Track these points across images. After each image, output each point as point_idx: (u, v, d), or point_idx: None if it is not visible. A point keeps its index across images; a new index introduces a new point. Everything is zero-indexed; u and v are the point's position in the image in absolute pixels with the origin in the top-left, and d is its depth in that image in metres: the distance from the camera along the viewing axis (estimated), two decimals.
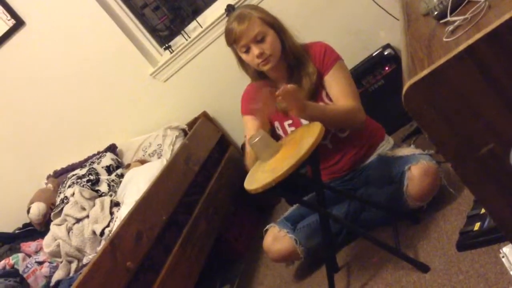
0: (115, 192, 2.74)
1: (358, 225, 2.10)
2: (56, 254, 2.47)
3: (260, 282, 2.44)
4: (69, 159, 3.39)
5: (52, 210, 2.82)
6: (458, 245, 1.66)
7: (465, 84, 0.89)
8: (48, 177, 3.39)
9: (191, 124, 3.18)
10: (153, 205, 2.28)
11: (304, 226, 2.17)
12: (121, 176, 2.94)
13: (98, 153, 3.28)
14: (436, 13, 1.07)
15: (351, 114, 1.99)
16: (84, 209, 2.53)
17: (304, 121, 2.05)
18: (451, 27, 0.98)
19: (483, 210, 1.66)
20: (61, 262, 2.43)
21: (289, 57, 2.03)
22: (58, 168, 3.40)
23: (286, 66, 2.07)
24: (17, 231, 3.19)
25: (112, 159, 3.14)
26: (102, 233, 2.38)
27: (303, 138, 1.78)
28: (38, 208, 2.97)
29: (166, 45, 3.22)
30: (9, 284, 2.34)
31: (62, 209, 2.59)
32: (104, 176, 2.95)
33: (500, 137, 0.91)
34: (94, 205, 2.53)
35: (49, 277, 2.41)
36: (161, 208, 2.31)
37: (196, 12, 3.30)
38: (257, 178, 1.76)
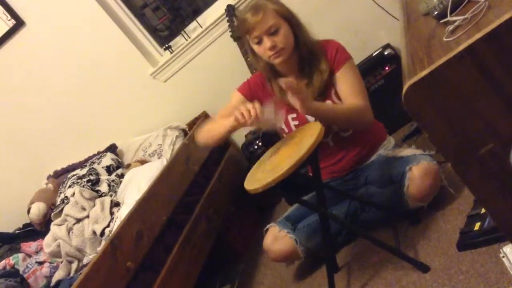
0: (115, 192, 2.74)
1: (358, 225, 2.10)
2: (56, 254, 2.47)
3: (260, 282, 2.44)
4: (69, 159, 3.39)
5: (52, 210, 2.82)
6: (459, 245, 1.66)
7: (465, 84, 0.89)
8: (48, 177, 3.40)
9: (191, 124, 3.18)
10: (153, 205, 2.28)
11: (304, 226, 2.17)
12: (121, 176, 2.94)
13: (98, 153, 3.28)
14: (436, 13, 1.07)
15: (358, 113, 1.97)
16: (84, 209, 2.53)
17: (308, 116, 2.04)
18: (451, 27, 0.98)
19: (483, 210, 1.66)
20: (62, 262, 2.43)
21: (303, 51, 2.01)
22: (58, 168, 3.41)
23: (297, 61, 2.05)
24: (17, 231, 3.19)
25: (112, 159, 3.15)
26: (102, 233, 2.38)
27: (303, 138, 1.78)
28: (38, 208, 2.97)
29: (166, 45, 3.22)
30: (9, 284, 2.34)
31: (62, 209, 2.59)
32: (104, 176, 2.95)
33: (500, 136, 0.91)
34: (94, 205, 2.53)
35: (49, 277, 2.41)
36: (161, 208, 2.31)
37: (196, 12, 3.30)
38: (257, 178, 1.76)
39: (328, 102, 2.03)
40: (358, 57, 2.86)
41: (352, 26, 2.95)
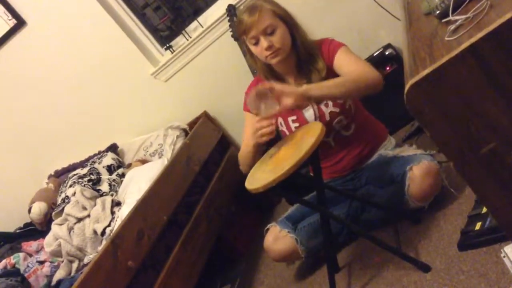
0: (116, 191, 2.75)
1: (359, 225, 2.10)
2: (57, 253, 2.47)
3: (261, 282, 2.44)
4: (70, 158, 3.39)
5: (53, 209, 2.82)
6: (459, 245, 1.66)
7: (467, 83, 0.89)
8: (49, 176, 3.40)
9: (192, 124, 3.18)
10: (154, 204, 2.28)
11: (305, 226, 2.17)
12: (122, 175, 2.94)
13: (99, 152, 3.28)
14: (438, 12, 1.07)
15: (361, 76, 1.88)
16: (85, 208, 2.53)
17: (309, 118, 2.04)
18: (453, 26, 0.98)
19: (484, 210, 1.66)
20: (62, 261, 2.43)
21: (301, 51, 2.02)
22: (59, 167, 3.41)
23: (295, 60, 2.05)
24: (18, 231, 3.19)
25: (113, 159, 3.15)
26: (103, 233, 2.38)
27: (304, 137, 1.78)
28: (39, 208, 2.97)
29: (167, 45, 3.22)
30: (10, 283, 2.34)
31: (63, 208, 2.59)
32: (105, 175, 2.95)
33: (502, 136, 0.91)
34: (95, 205, 2.53)
35: (50, 277, 2.41)
36: (162, 207, 2.31)
37: (197, 12, 3.30)
38: (258, 178, 1.76)
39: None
40: (360, 56, 2.85)
41: (353, 26, 2.95)
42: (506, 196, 0.97)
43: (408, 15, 1.36)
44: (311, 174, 2.12)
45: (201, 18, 3.22)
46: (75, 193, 2.63)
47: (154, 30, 3.33)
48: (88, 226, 2.42)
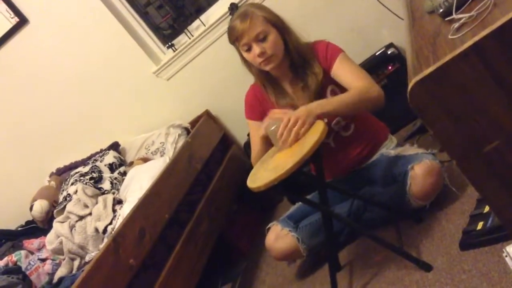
0: (118, 189, 2.75)
1: (361, 224, 2.10)
2: (58, 251, 2.47)
3: (262, 280, 2.44)
4: (72, 156, 3.40)
5: (54, 207, 2.82)
6: (461, 244, 1.66)
7: (470, 81, 0.89)
8: (51, 174, 3.40)
9: (193, 123, 3.18)
10: (156, 203, 2.28)
11: (306, 224, 2.17)
12: (124, 174, 2.94)
13: (101, 151, 3.28)
14: (441, 10, 1.07)
15: (364, 93, 1.89)
16: (87, 206, 2.53)
17: None
18: (456, 25, 0.98)
19: (486, 209, 1.65)
20: (64, 259, 2.43)
21: (294, 56, 2.02)
22: (61, 165, 3.41)
23: (289, 65, 2.06)
24: (19, 228, 3.19)
25: (115, 157, 3.15)
26: (104, 231, 2.38)
27: (306, 136, 1.77)
28: (40, 206, 2.97)
29: (169, 43, 3.22)
30: (12, 281, 2.34)
31: (64, 206, 2.59)
32: (107, 174, 2.95)
33: (506, 134, 0.91)
34: (97, 203, 2.54)
35: (51, 274, 2.41)
36: (164, 206, 2.31)
37: (200, 10, 3.30)
38: (260, 176, 1.76)
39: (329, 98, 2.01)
40: (361, 56, 2.86)
41: (355, 25, 2.95)
42: (509, 195, 0.97)
43: (411, 13, 1.35)
44: (313, 173, 2.12)
45: (203, 17, 3.22)
46: (76, 191, 2.63)
47: (156, 29, 3.33)
48: (89, 224, 2.42)
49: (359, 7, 2.91)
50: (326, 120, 1.82)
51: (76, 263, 2.40)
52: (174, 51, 3.19)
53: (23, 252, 2.54)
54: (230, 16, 2.06)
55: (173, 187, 2.45)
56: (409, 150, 2.04)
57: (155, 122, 3.30)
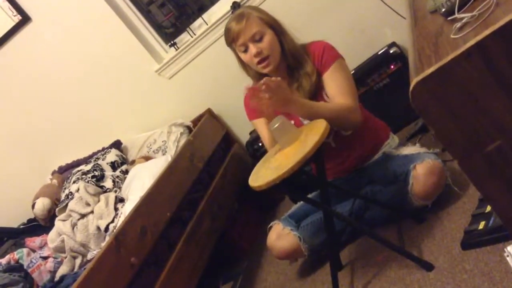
0: (120, 188, 2.75)
1: (363, 223, 2.10)
2: (60, 249, 2.47)
3: (264, 279, 2.44)
4: (74, 155, 3.40)
5: (56, 205, 2.82)
6: (463, 244, 1.66)
7: (472, 81, 0.88)
8: (53, 172, 3.41)
9: (195, 121, 3.18)
10: (158, 201, 2.28)
11: (308, 223, 2.17)
12: (126, 172, 2.94)
13: (103, 149, 3.29)
14: (443, 10, 1.07)
15: (344, 113, 1.93)
16: (88, 204, 2.53)
17: (306, 122, 2.05)
18: (458, 24, 0.98)
19: (488, 209, 1.65)
20: (66, 257, 2.43)
21: (289, 58, 2.03)
22: (63, 163, 3.42)
23: (285, 67, 2.06)
24: (22, 226, 3.20)
25: (117, 155, 3.15)
26: (106, 229, 2.38)
27: (308, 135, 1.77)
28: (43, 204, 2.98)
29: (172, 42, 3.23)
30: (13, 279, 2.35)
31: (66, 204, 2.60)
32: (108, 172, 2.96)
33: (508, 134, 0.91)
34: (98, 201, 2.54)
35: (53, 272, 2.41)
36: (166, 204, 2.31)
37: (202, 9, 3.30)
38: (262, 175, 1.77)
39: (315, 102, 2.02)
40: (364, 55, 2.86)
41: (358, 24, 2.94)
42: (510, 195, 0.96)
43: (414, 13, 1.35)
44: (314, 172, 2.12)
45: (205, 15, 3.22)
46: (78, 189, 2.64)
47: (158, 27, 3.33)
48: (91, 222, 2.43)
49: (362, 6, 2.90)
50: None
51: (78, 261, 2.40)
52: (176, 50, 3.19)
53: (25, 250, 2.54)
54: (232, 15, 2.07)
55: (174, 185, 2.46)
56: (411, 149, 2.04)
57: (157, 121, 3.30)
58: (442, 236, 1.80)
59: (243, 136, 3.26)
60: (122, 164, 3.10)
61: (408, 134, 2.64)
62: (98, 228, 2.40)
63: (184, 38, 3.29)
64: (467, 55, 0.87)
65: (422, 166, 1.89)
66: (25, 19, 3.24)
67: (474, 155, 0.93)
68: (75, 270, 2.36)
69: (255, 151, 2.96)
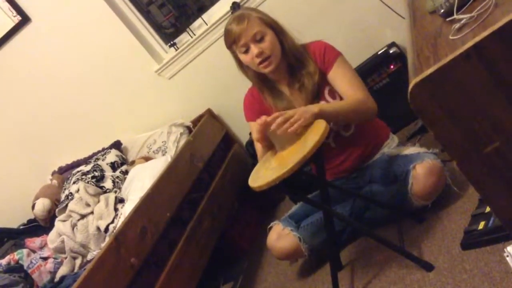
0: (120, 188, 2.75)
1: (362, 224, 2.10)
2: (60, 250, 2.48)
3: (264, 279, 2.44)
4: (74, 155, 3.40)
5: (56, 206, 2.83)
6: (463, 244, 1.66)
7: (471, 82, 0.89)
8: (53, 173, 3.41)
9: (195, 121, 3.18)
10: (158, 201, 2.28)
11: (308, 224, 2.17)
12: (126, 172, 2.94)
13: (103, 149, 3.29)
14: (442, 11, 1.07)
15: (361, 105, 1.95)
16: (88, 205, 2.54)
17: None
18: (457, 25, 0.98)
19: (488, 209, 1.65)
20: (66, 258, 2.44)
21: (290, 58, 2.03)
22: (63, 164, 3.42)
23: (286, 67, 2.07)
24: (21, 227, 3.20)
25: (117, 156, 3.15)
26: (106, 229, 2.38)
27: (308, 135, 1.77)
28: (43, 204, 2.98)
29: (171, 42, 3.23)
30: (13, 279, 2.35)
31: (66, 205, 2.60)
32: (108, 172, 2.96)
33: (506, 135, 0.91)
34: (98, 202, 2.54)
35: (53, 273, 2.41)
36: (166, 204, 2.31)
37: (202, 9, 3.30)
38: (262, 175, 1.77)
39: (322, 102, 2.03)
40: (363, 55, 2.86)
41: (358, 24, 2.94)
42: (509, 196, 0.96)
43: (413, 13, 1.35)
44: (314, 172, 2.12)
45: (205, 16, 3.22)
46: (78, 189, 2.64)
47: (158, 27, 3.33)
48: (91, 222, 2.43)
49: (362, 6, 2.90)
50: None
51: (78, 261, 2.40)
52: (176, 50, 3.19)
53: (25, 251, 2.54)
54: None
55: (174, 186, 2.46)
56: (411, 149, 2.04)
57: (157, 121, 3.30)
58: (442, 236, 1.80)
59: (243, 136, 3.26)
60: (122, 164, 3.10)
61: (408, 134, 2.64)
62: (98, 228, 2.40)
63: (184, 39, 3.29)
64: (465, 56, 0.87)
65: (422, 166, 1.89)
66: (25, 19, 3.24)
67: (473, 156, 0.93)
68: (75, 270, 2.36)
69: (255, 151, 2.96)
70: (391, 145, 2.15)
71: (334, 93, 2.04)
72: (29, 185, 3.34)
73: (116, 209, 2.48)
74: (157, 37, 3.32)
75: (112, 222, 2.40)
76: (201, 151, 2.84)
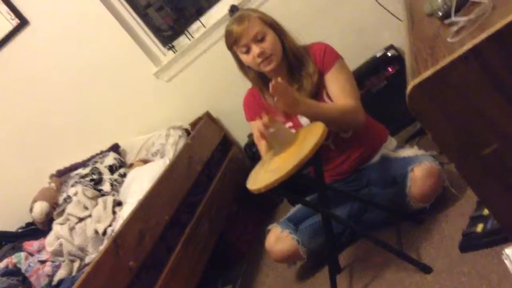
0: (118, 191, 2.75)
1: (361, 226, 2.10)
2: (58, 253, 2.47)
3: (262, 282, 2.44)
4: (72, 158, 3.39)
5: (55, 209, 2.82)
6: (461, 246, 1.66)
7: (469, 84, 0.89)
8: (51, 176, 3.39)
9: (194, 124, 3.18)
10: (156, 204, 2.28)
11: (306, 226, 2.17)
12: (124, 175, 2.94)
13: (101, 152, 3.28)
14: (440, 13, 1.07)
15: (349, 113, 1.96)
16: (86, 208, 2.53)
17: (305, 124, 2.05)
18: (455, 28, 0.98)
19: (486, 212, 1.65)
20: (64, 261, 2.43)
21: (290, 58, 2.04)
22: (61, 167, 3.41)
23: (286, 67, 2.07)
24: (20, 230, 3.19)
25: (115, 159, 3.15)
26: (104, 233, 2.38)
27: (306, 138, 1.78)
28: (41, 207, 2.97)
29: (170, 45, 3.23)
30: (11, 283, 2.34)
31: (64, 208, 2.60)
32: (107, 175, 2.95)
33: (504, 137, 0.91)
34: (96, 205, 2.54)
35: (51, 276, 2.41)
36: (164, 207, 2.31)
37: (200, 12, 3.30)
38: (260, 178, 1.76)
39: (320, 102, 2.03)
40: (361, 57, 2.86)
41: (356, 27, 2.95)
42: (507, 198, 0.96)
43: (410, 16, 1.35)
44: (313, 175, 2.12)
45: (203, 18, 3.22)
46: (76, 192, 2.64)
47: (156, 30, 3.33)
48: (89, 226, 2.43)
49: (359, 9, 2.91)
50: None
51: (76, 265, 2.40)
52: (174, 53, 3.19)
53: (23, 254, 2.54)
54: (229, 20, 2.07)
55: (173, 188, 2.45)
56: (409, 151, 2.05)
57: (155, 124, 3.29)
58: (441, 238, 1.80)
59: (242, 139, 3.26)
60: (120, 167, 3.09)
61: (406, 136, 2.65)
62: (96, 231, 2.40)
63: (182, 41, 3.29)
64: (463, 58, 0.87)
65: (420, 169, 1.89)
66: (23, 22, 3.24)
67: (471, 158, 0.93)
68: (73, 274, 2.36)
69: (254, 153, 2.96)
70: (389, 148, 2.15)
71: None
72: (27, 188, 3.32)
73: (114, 212, 2.48)
74: (155, 39, 3.32)
75: (110, 225, 2.39)
76: (200, 153, 2.84)
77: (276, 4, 2.92)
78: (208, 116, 3.23)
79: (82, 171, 3.01)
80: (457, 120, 0.91)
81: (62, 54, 3.29)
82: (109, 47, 3.22)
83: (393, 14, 2.65)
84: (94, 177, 2.87)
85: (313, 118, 1.93)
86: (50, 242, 2.51)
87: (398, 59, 2.74)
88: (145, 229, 2.11)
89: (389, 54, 2.76)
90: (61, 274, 2.37)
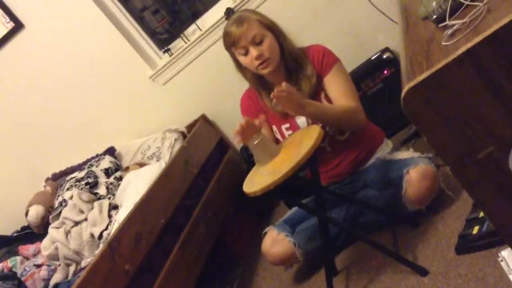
0: (114, 195, 2.74)
1: (357, 229, 2.10)
2: (54, 257, 2.46)
3: (259, 285, 2.44)
4: (67, 162, 3.38)
5: (50, 213, 2.81)
6: (457, 249, 1.66)
7: (464, 87, 0.89)
8: (47, 180, 3.39)
9: (190, 127, 3.18)
10: (152, 208, 2.28)
11: (303, 229, 2.17)
12: (120, 179, 2.93)
13: (97, 155, 3.27)
14: (435, 16, 1.07)
15: (350, 114, 1.99)
16: (82, 212, 2.52)
17: (301, 125, 2.05)
18: (450, 31, 0.98)
19: (481, 214, 1.66)
20: (59, 265, 2.42)
21: (288, 60, 2.04)
22: (57, 171, 3.40)
23: (284, 69, 2.07)
24: (15, 234, 3.18)
25: (111, 162, 3.14)
26: (100, 236, 2.37)
27: (302, 140, 1.78)
28: (36, 211, 2.96)
29: (165, 48, 3.22)
30: (7, 287, 2.33)
31: (60, 212, 2.59)
32: (102, 179, 2.94)
33: (499, 140, 0.91)
34: (92, 208, 2.53)
35: (47, 280, 2.40)
36: (160, 211, 2.30)
37: (196, 15, 3.31)
38: (256, 181, 1.76)
39: (323, 102, 2.04)
40: (357, 60, 2.87)
41: (351, 29, 2.95)
42: (503, 201, 0.97)
43: (406, 19, 1.36)
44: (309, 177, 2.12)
45: (199, 21, 3.23)
46: (72, 196, 2.63)
47: (152, 33, 3.33)
48: (85, 229, 2.42)
49: (355, 12, 2.91)
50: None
51: (72, 268, 2.39)
52: (170, 56, 3.19)
53: (18, 258, 2.53)
54: (226, 21, 2.07)
55: (169, 191, 2.45)
56: (405, 154, 2.05)
57: (151, 127, 3.29)
58: (437, 241, 1.80)
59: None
60: (116, 170, 3.09)
61: (402, 139, 2.65)
62: (92, 235, 2.39)
63: (178, 44, 3.29)
64: (458, 61, 0.87)
65: (415, 171, 1.90)
66: (18, 26, 3.23)
67: (466, 161, 0.93)
68: (69, 278, 2.35)
69: (250, 156, 2.96)
70: (385, 150, 2.16)
71: (330, 99, 2.04)
72: (22, 192, 3.32)
73: (110, 216, 2.47)
74: (151, 43, 3.32)
75: (106, 228, 2.38)
76: (196, 156, 2.84)
77: (272, 7, 2.92)
78: (204, 119, 3.23)
79: (77, 174, 3.00)
80: (452, 123, 0.92)
81: (58, 58, 3.28)
82: (104, 50, 3.22)
83: (388, 17, 2.66)
84: (90, 180, 2.86)
85: (316, 119, 1.93)
86: (45, 246, 2.50)
87: (393, 62, 2.75)
88: (141, 232, 2.10)
89: (384, 56, 2.77)
90: (56, 278, 2.36)
